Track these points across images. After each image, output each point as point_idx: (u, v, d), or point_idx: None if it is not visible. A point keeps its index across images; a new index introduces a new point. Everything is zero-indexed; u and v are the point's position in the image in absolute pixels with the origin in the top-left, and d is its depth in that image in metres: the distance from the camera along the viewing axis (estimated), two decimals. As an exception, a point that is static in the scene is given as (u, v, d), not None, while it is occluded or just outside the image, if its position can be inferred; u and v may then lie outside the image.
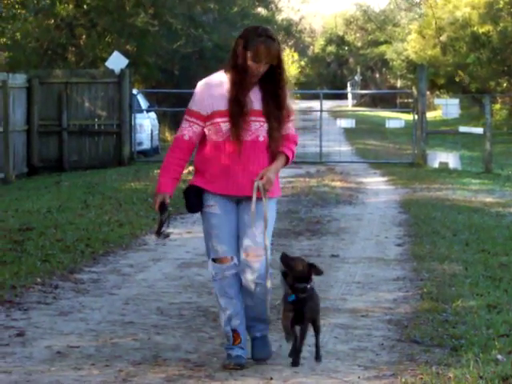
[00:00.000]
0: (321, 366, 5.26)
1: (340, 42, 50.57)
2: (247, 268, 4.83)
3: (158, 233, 4.86)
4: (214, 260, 4.81)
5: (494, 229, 11.96)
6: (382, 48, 45.26)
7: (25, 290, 6.85)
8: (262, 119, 4.72)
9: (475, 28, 30.37)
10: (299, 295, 4.72)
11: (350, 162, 22.56)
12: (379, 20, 46.15)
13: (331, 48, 51.54)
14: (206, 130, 4.74)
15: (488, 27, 29.59)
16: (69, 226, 11.30)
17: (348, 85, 47.61)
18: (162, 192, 4.70)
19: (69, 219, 11.91)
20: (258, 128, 4.73)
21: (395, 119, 26.53)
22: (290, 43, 50.43)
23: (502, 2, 28.10)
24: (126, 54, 22.30)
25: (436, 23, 33.24)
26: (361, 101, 46.36)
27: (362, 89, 45.85)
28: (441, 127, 27.97)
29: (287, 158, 4.84)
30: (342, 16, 53.80)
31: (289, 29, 46.46)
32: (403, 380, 4.86)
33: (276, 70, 4.73)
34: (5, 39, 18.53)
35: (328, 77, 49.82)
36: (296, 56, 50.46)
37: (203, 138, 4.78)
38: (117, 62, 20.24)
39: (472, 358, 5.36)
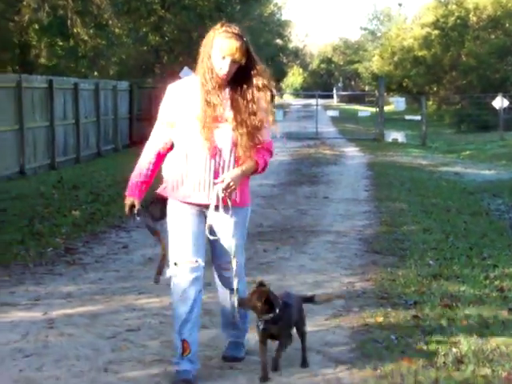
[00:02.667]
0: (316, 268, 8.13)
1: (329, 61, 75.86)
2: (221, 275, 4.73)
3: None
4: (175, 264, 4.45)
5: (427, 181, 17.13)
6: (356, 65, 65.93)
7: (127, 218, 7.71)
8: (230, 125, 4.32)
9: (416, 52, 43.97)
10: (269, 325, 4.55)
11: (334, 138, 31.21)
12: (354, 47, 69.42)
13: (323, 65, 77.63)
14: (173, 135, 4.44)
15: (424, 52, 43.00)
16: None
17: (334, 89, 65.88)
18: (129, 195, 4.58)
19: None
20: (225, 135, 4.32)
21: (364, 111, 38.66)
22: (297, 62, 75.62)
23: (433, 36, 41.97)
24: (192, 68, 29.37)
25: (391, 49, 48.86)
26: (342, 99, 65.17)
27: (342, 91, 67.35)
28: (393, 116, 37.75)
29: (256, 165, 4.44)
30: (330, 45, 79.43)
31: (297, 53, 71.61)
32: (369, 276, 7.67)
33: (248, 71, 4.34)
34: (115, 58, 26.52)
35: (321, 84, 72.49)
36: (301, 70, 75.34)
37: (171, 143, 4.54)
38: (186, 73, 25.43)
39: (413, 262, 8.37)
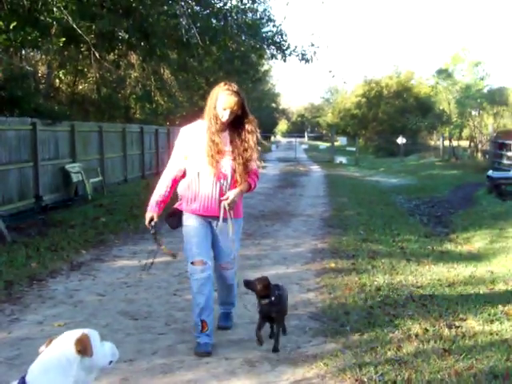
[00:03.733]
0: (296, 235, 11.35)
1: (302, 116, 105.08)
2: (221, 274, 5.57)
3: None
4: (192, 263, 5.22)
5: (359, 185, 24.25)
6: (318, 119, 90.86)
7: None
8: (230, 157, 5.14)
9: (352, 111, 63.32)
10: (266, 307, 5.34)
11: (305, 161, 43.89)
12: (317, 108, 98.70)
13: (299, 118, 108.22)
14: (187, 165, 5.27)
15: (357, 111, 62.18)
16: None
17: (305, 132, 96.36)
18: (149, 210, 5.40)
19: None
20: (226, 164, 5.14)
21: (323, 145, 65.59)
22: (284, 117, 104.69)
23: (362, 102, 61.56)
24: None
25: (338, 109, 70.44)
26: (309, 138, 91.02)
27: (310, 134, 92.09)
28: (339, 148, 52.79)
29: (249, 186, 5.29)
30: (303, 107, 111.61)
31: (284, 111, 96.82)
32: (326, 240, 10.88)
33: (242, 119, 5.18)
34: (179, 114, 29.63)
35: (298, 129, 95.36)
36: (286, 121, 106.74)
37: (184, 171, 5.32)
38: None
39: (351, 232, 11.70)
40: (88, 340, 2.84)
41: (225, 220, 5.20)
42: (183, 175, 5.32)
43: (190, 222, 5.28)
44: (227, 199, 5.14)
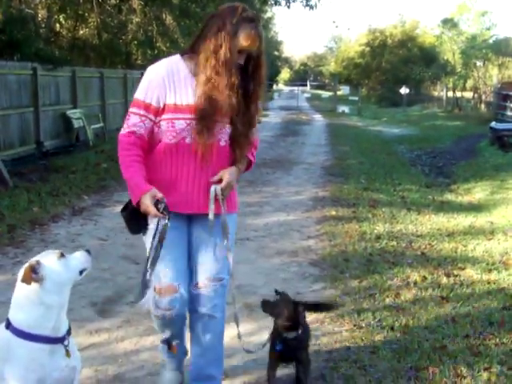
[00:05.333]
0: (297, 183, 11.42)
1: (305, 65, 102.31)
2: (200, 298, 3.46)
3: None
4: (155, 290, 3.36)
5: (361, 134, 23.89)
6: (321, 68, 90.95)
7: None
8: (227, 120, 3.30)
9: (355, 60, 62.33)
10: (288, 343, 3.59)
11: (307, 109, 42.99)
12: (320, 57, 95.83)
13: (302, 67, 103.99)
14: (155, 128, 3.28)
15: (360, 60, 60.94)
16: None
17: (308, 81, 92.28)
18: (145, 191, 3.12)
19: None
20: (222, 131, 3.32)
21: (325, 94, 65.41)
22: (286, 65, 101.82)
23: (365, 51, 60.72)
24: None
25: (341, 58, 69.34)
26: (312, 87, 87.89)
27: (313, 82, 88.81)
28: (342, 97, 50.56)
29: (250, 163, 3.60)
30: (306, 55, 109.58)
31: (286, 60, 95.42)
32: (327, 188, 11.03)
33: (252, 62, 3.26)
34: None
35: (300, 78, 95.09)
36: (289, 70, 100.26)
37: (150, 138, 3.31)
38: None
39: (352, 181, 11.81)
40: (28, 269, 2.83)
41: (216, 217, 3.35)
42: (145, 144, 3.31)
43: None
44: (221, 182, 3.33)
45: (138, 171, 3.19)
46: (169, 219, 3.13)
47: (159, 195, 3.11)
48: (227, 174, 3.31)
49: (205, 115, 3.19)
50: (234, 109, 3.25)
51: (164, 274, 3.33)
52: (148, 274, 3.20)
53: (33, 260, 2.88)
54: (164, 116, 3.24)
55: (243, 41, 3.13)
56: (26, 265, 2.87)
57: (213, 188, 3.28)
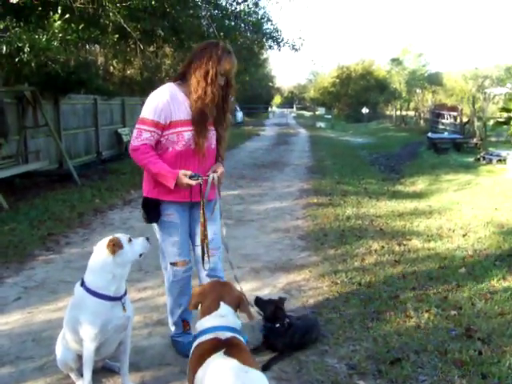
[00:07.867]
0: (287, 179, 11.26)
1: (292, 93, 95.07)
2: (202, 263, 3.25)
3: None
4: (173, 263, 3.36)
5: (334, 143, 23.91)
6: (304, 94, 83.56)
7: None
8: (213, 128, 3.24)
9: (329, 89, 58.72)
10: (270, 331, 3.52)
11: (294, 125, 40.70)
12: (303, 86, 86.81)
13: (289, 94, 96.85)
14: (162, 140, 3.13)
15: (332, 88, 57.83)
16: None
17: (294, 104, 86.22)
18: (178, 173, 3.04)
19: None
20: (212, 136, 3.24)
21: (307, 113, 61.08)
22: (278, 93, 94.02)
23: (336, 82, 57.40)
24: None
25: (318, 88, 64.32)
26: (297, 109, 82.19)
27: (297, 105, 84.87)
28: (319, 116, 47.99)
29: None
30: (292, 85, 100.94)
31: (278, 89, 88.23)
32: (310, 182, 10.83)
33: (227, 83, 3.18)
34: None
35: (289, 102, 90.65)
36: (280, 97, 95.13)
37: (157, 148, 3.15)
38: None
39: (328, 177, 11.56)
40: (114, 242, 2.81)
41: (209, 202, 3.24)
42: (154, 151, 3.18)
43: (169, 214, 3.29)
44: (216, 172, 3.23)
45: (162, 163, 3.09)
46: (202, 179, 3.12)
47: (188, 172, 3.07)
48: (221, 167, 3.27)
49: (200, 125, 3.13)
50: (218, 119, 3.23)
51: (178, 253, 3.34)
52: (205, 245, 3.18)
53: (114, 236, 2.86)
54: (172, 130, 3.12)
55: (226, 66, 3.08)
56: (109, 238, 2.84)
57: (211, 176, 3.19)
